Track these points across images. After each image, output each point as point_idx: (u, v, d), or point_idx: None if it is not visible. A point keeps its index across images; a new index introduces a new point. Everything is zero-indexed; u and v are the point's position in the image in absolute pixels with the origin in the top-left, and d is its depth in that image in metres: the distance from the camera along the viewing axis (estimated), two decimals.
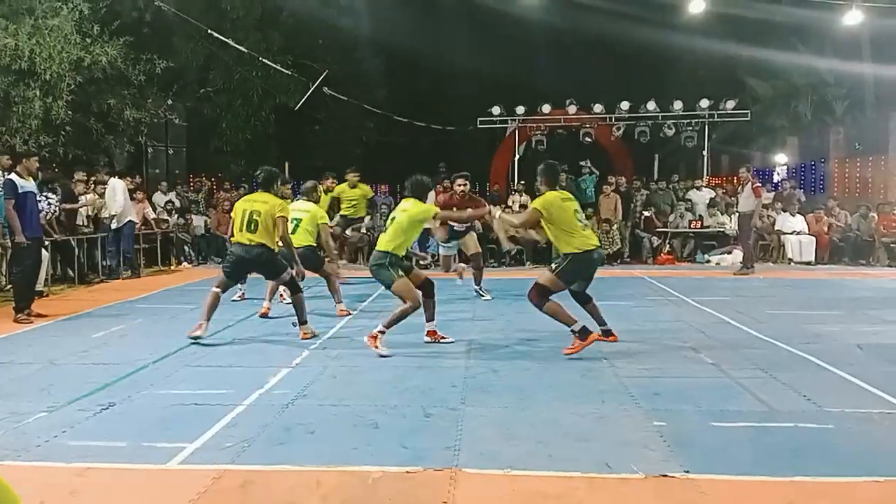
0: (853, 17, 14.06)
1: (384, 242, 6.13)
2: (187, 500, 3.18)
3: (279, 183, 7.00)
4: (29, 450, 3.78)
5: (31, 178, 7.99)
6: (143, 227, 12.95)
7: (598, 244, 6.27)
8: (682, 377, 5.19)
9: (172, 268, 13.42)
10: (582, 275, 6.07)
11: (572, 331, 5.79)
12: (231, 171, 20.10)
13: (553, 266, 6.02)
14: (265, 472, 3.48)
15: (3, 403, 4.55)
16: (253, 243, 6.43)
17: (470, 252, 9.49)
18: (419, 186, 6.41)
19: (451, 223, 8.71)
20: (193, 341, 6.36)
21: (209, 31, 15.09)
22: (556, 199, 5.97)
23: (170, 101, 16.34)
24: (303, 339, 6.59)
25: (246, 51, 16.41)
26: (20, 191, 7.65)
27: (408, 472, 3.44)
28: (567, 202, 6.05)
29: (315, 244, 7.99)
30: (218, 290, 6.62)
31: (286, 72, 18.17)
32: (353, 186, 11.67)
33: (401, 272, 6.07)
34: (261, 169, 6.94)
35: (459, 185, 8.80)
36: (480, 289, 9.34)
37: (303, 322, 6.75)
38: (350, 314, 7.99)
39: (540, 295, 5.88)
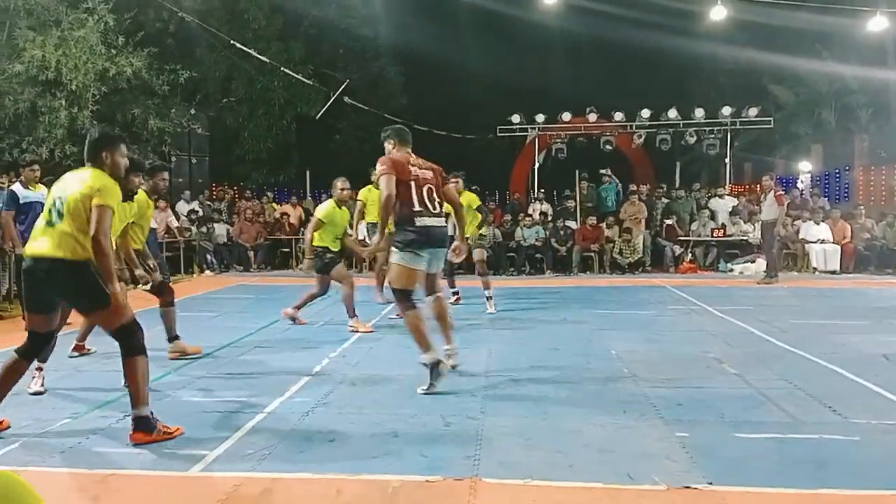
0: (878, 24, 13.91)
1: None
2: None
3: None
4: (52, 456, 3.82)
5: (38, 188, 7.59)
6: (166, 236, 13.13)
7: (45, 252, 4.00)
8: (704, 387, 5.13)
9: (194, 276, 13.54)
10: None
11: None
12: (253, 180, 20.33)
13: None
14: (285, 479, 3.48)
15: (27, 410, 4.59)
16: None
17: None
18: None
19: None
20: None
21: (231, 41, 15.29)
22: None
23: (193, 111, 16.62)
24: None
25: (268, 61, 16.60)
26: (22, 201, 7.45)
27: (427, 481, 3.43)
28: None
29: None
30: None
31: (307, 81, 18.36)
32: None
33: None
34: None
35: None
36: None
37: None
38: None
39: None
